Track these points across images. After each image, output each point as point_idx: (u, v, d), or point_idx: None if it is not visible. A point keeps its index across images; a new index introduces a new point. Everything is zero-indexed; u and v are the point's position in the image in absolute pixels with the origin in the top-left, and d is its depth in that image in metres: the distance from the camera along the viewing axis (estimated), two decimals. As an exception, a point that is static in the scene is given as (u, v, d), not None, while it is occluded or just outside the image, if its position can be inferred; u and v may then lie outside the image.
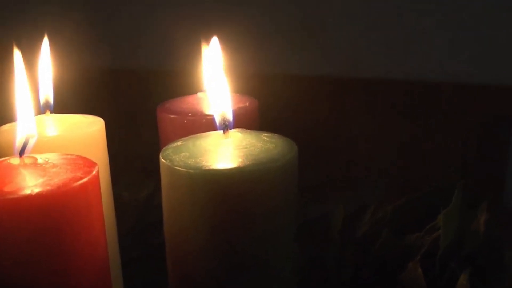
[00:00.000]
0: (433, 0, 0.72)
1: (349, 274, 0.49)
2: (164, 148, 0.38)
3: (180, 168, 0.35)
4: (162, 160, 0.36)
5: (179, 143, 0.38)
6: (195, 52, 0.52)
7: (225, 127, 0.38)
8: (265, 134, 0.39)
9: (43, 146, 0.42)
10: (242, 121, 0.47)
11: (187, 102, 0.50)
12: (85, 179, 0.33)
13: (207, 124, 0.45)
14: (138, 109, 0.67)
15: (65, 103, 0.48)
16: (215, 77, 0.40)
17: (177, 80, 0.60)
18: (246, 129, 0.40)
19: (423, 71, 0.76)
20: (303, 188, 0.41)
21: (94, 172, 0.34)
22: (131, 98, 0.74)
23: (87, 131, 0.45)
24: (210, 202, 0.35)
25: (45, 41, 0.46)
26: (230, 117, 0.38)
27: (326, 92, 0.77)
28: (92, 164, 0.35)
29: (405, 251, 0.48)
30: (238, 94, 0.51)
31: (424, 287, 0.44)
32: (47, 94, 0.46)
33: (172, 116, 0.48)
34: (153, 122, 0.51)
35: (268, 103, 0.54)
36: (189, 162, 0.35)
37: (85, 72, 0.74)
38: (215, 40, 0.45)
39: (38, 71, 0.46)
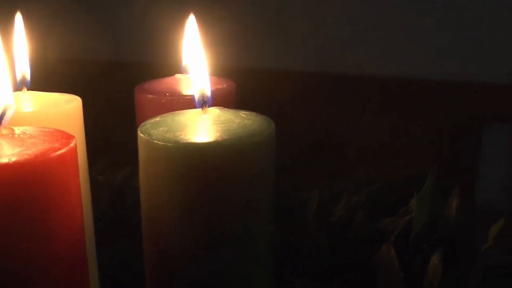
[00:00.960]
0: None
1: (324, 257, 0.50)
2: (142, 123, 0.38)
3: (158, 142, 0.35)
4: (140, 134, 0.36)
5: (157, 119, 0.38)
6: (175, 43, 0.52)
7: (204, 103, 0.38)
8: (243, 112, 0.39)
9: (19, 121, 0.42)
10: (219, 102, 0.48)
11: (166, 83, 0.50)
12: (63, 150, 0.33)
13: (185, 104, 0.45)
14: (116, 93, 0.67)
15: (43, 83, 0.48)
16: (194, 55, 0.41)
17: (157, 70, 0.61)
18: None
19: (401, 68, 0.76)
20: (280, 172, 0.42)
21: (72, 144, 0.34)
22: (108, 82, 0.74)
23: (64, 108, 0.45)
24: (187, 176, 0.35)
25: (18, 17, 0.46)
26: (208, 93, 0.39)
27: (302, 87, 0.78)
28: (70, 137, 0.35)
29: (379, 233, 0.48)
30: (215, 77, 0.51)
31: (397, 268, 0.45)
32: (24, 70, 0.46)
33: (150, 96, 0.48)
34: (131, 106, 0.51)
35: (247, 95, 0.54)
36: (167, 136, 0.35)
37: (61, 53, 0.74)
38: (192, 18, 0.45)
39: (14, 47, 0.46)
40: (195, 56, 0.41)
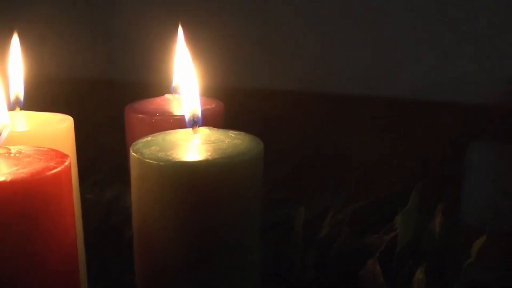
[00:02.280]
0: (397, 16, 0.74)
1: (311, 273, 0.51)
2: (134, 142, 0.39)
3: (150, 161, 0.36)
4: (132, 153, 0.37)
5: (149, 138, 0.39)
6: (166, 62, 0.53)
7: (194, 123, 0.39)
8: (232, 132, 0.40)
9: (13, 140, 0.43)
10: (208, 122, 0.49)
11: (155, 103, 0.51)
12: (58, 169, 0.34)
13: (175, 124, 0.46)
14: (107, 111, 0.68)
15: (35, 102, 0.49)
16: (185, 75, 0.42)
17: (147, 90, 0.62)
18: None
19: (387, 88, 0.78)
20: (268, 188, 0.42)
21: (66, 163, 0.35)
22: (99, 103, 0.75)
23: (57, 127, 0.46)
24: (179, 194, 0.36)
25: (15, 39, 0.47)
26: (199, 113, 0.40)
27: (293, 106, 0.79)
28: (64, 156, 0.36)
29: (364, 249, 0.49)
30: (204, 97, 0.52)
31: (382, 283, 0.46)
32: (18, 91, 0.47)
33: (140, 115, 0.49)
34: (121, 126, 0.52)
35: (236, 114, 0.55)
36: (159, 155, 0.36)
37: (54, 74, 0.74)
38: (181, 34, 0.46)
39: (8, 68, 0.47)
40: (185, 76, 0.42)
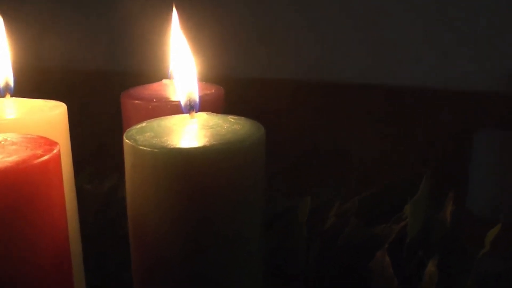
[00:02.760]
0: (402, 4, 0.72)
1: (315, 265, 0.49)
2: (128, 129, 0.37)
3: (144, 148, 0.34)
4: (125, 140, 0.35)
5: (143, 124, 0.37)
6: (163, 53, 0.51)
7: (191, 108, 0.37)
8: (232, 117, 0.38)
9: (2, 128, 0.41)
10: (207, 108, 0.46)
11: (152, 88, 0.49)
12: (45, 157, 0.32)
13: (172, 110, 0.44)
14: (103, 99, 0.65)
15: (26, 89, 0.47)
16: (181, 58, 0.39)
17: (145, 77, 0.59)
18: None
19: (392, 76, 0.76)
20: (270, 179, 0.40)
21: (55, 151, 0.33)
22: (95, 90, 0.72)
23: (49, 114, 0.44)
24: (175, 183, 0.34)
25: (0, 21, 0.45)
26: (196, 98, 0.38)
27: (292, 95, 0.77)
28: (53, 143, 0.34)
29: (372, 240, 0.47)
30: (203, 82, 0.50)
31: (391, 275, 0.44)
32: (7, 76, 0.45)
33: (136, 101, 0.47)
34: (119, 115, 0.50)
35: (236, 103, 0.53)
36: (154, 142, 0.34)
37: (48, 60, 0.72)
38: (175, 14, 0.44)
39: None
40: (182, 59, 0.40)
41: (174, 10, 0.46)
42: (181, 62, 0.40)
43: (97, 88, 0.77)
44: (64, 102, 0.45)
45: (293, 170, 0.72)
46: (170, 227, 0.35)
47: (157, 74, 0.51)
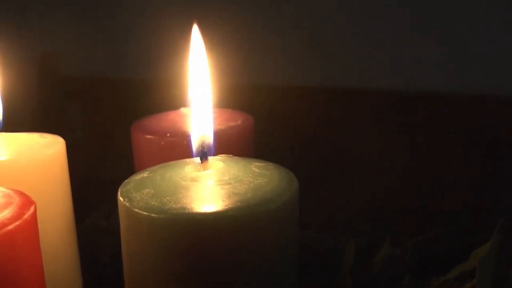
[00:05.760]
0: (436, 12, 0.64)
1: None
2: (125, 181, 0.29)
3: (139, 211, 0.26)
4: (119, 198, 0.28)
5: (144, 174, 0.30)
6: (182, 61, 0.44)
7: (203, 154, 0.29)
8: (257, 164, 0.30)
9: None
10: (233, 142, 0.39)
11: (167, 119, 0.41)
12: (10, 227, 0.25)
13: (189, 146, 0.37)
14: (113, 124, 0.58)
15: (18, 118, 0.40)
16: (198, 84, 0.32)
17: (160, 92, 0.52)
18: (236, 155, 0.32)
19: (431, 82, 0.67)
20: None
21: (26, 216, 0.26)
22: (104, 111, 0.65)
23: (44, 154, 0.37)
24: (177, 255, 0.26)
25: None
26: (210, 140, 0.30)
27: (325, 104, 0.69)
28: (26, 205, 0.27)
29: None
30: (229, 110, 0.43)
31: None
32: (-6, 108, 0.38)
33: (148, 136, 0.40)
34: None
35: (262, 116, 0.46)
36: (152, 203, 0.26)
37: (42, 80, 0.65)
38: (195, 29, 0.36)
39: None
40: (198, 89, 0.32)
41: (195, 27, 0.39)
42: (198, 92, 0.32)
43: (105, 97, 0.69)
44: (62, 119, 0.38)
45: (323, 184, 0.64)
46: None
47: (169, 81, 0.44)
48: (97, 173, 0.56)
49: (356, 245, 0.46)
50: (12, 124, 0.39)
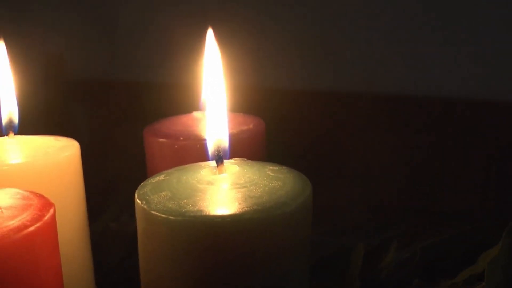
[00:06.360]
0: (450, 16, 0.64)
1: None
2: (142, 184, 0.30)
3: (157, 213, 0.27)
4: (137, 200, 0.28)
5: (161, 177, 0.30)
6: (193, 65, 0.44)
7: (219, 158, 0.30)
8: (271, 167, 0.31)
9: (3, 175, 0.35)
10: (245, 146, 0.40)
11: (180, 123, 0.42)
12: (31, 228, 0.25)
13: (202, 150, 0.37)
14: (125, 127, 0.59)
15: (33, 122, 0.40)
16: (212, 88, 0.32)
17: (173, 95, 0.52)
18: (248, 158, 0.32)
19: (439, 87, 0.68)
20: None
21: (46, 218, 0.26)
22: (116, 115, 0.65)
23: (60, 157, 0.37)
24: (194, 257, 0.27)
25: (1, 46, 0.38)
26: (226, 144, 0.30)
27: (336, 108, 0.69)
28: (46, 207, 0.27)
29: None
30: (242, 114, 0.43)
31: None
32: (10, 111, 0.38)
33: (161, 140, 0.40)
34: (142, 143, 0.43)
35: (275, 120, 0.47)
36: (170, 206, 0.27)
37: (58, 84, 0.66)
38: (210, 33, 0.37)
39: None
40: (213, 92, 0.33)
41: (210, 31, 0.39)
42: (213, 96, 0.33)
43: (112, 99, 0.69)
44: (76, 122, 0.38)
45: (334, 187, 0.64)
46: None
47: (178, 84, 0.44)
48: (104, 175, 0.57)
49: (364, 248, 0.46)
50: (24, 127, 0.39)
